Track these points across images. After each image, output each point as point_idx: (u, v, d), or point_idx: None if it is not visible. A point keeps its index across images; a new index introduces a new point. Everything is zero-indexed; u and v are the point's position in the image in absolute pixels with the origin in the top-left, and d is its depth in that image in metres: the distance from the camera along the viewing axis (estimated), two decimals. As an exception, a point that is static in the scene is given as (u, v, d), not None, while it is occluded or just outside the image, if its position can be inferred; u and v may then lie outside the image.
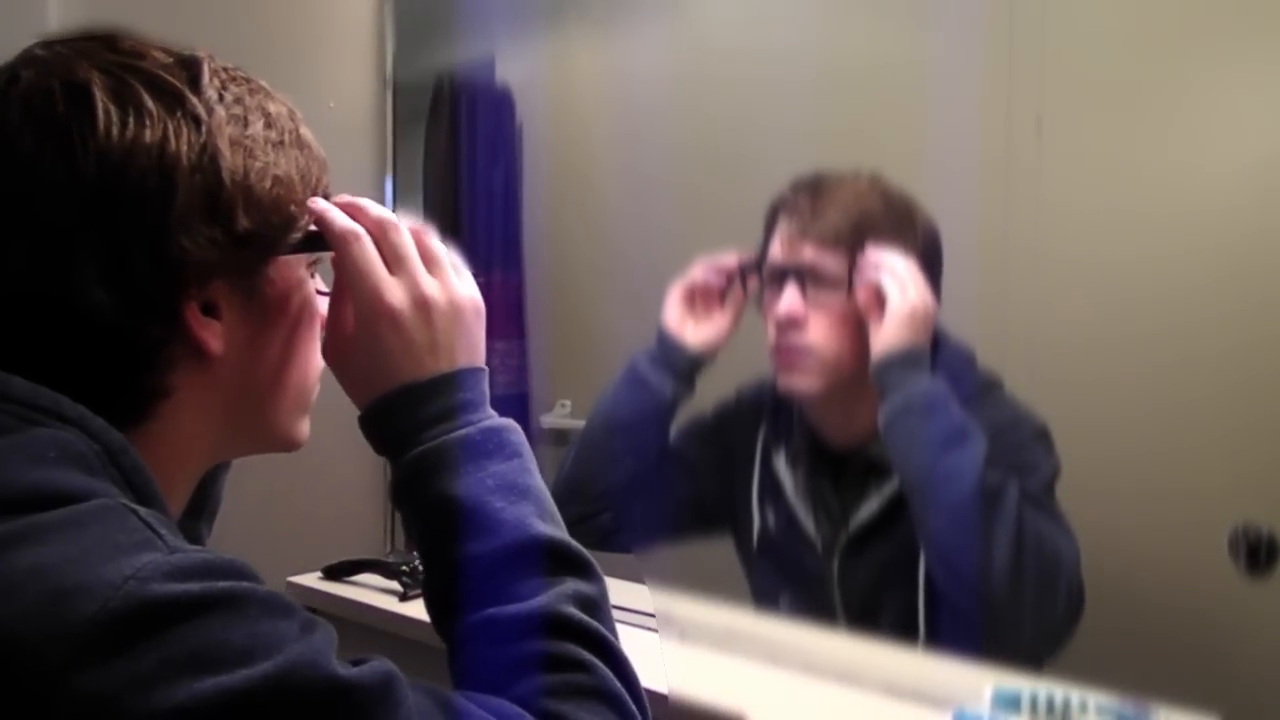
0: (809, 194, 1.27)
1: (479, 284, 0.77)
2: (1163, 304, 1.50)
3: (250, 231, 0.65)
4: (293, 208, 0.69)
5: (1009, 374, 1.32)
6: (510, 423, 0.72)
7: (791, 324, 1.25)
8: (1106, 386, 1.53)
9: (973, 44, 1.64)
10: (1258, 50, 1.45)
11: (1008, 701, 0.86)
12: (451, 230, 2.34)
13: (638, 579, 1.35)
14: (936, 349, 1.31)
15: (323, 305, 0.75)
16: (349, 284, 0.72)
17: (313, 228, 0.71)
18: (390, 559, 1.27)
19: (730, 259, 1.29)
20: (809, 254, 1.25)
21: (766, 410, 1.39)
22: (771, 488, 1.36)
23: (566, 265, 2.39)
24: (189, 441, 0.68)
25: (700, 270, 1.29)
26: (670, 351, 1.31)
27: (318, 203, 0.71)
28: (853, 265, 1.24)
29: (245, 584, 0.55)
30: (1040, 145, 1.58)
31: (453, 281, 0.74)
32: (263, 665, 0.52)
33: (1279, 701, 1.34)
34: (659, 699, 0.92)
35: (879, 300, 1.18)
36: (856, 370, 1.25)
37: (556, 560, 0.67)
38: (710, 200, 2.05)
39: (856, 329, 1.24)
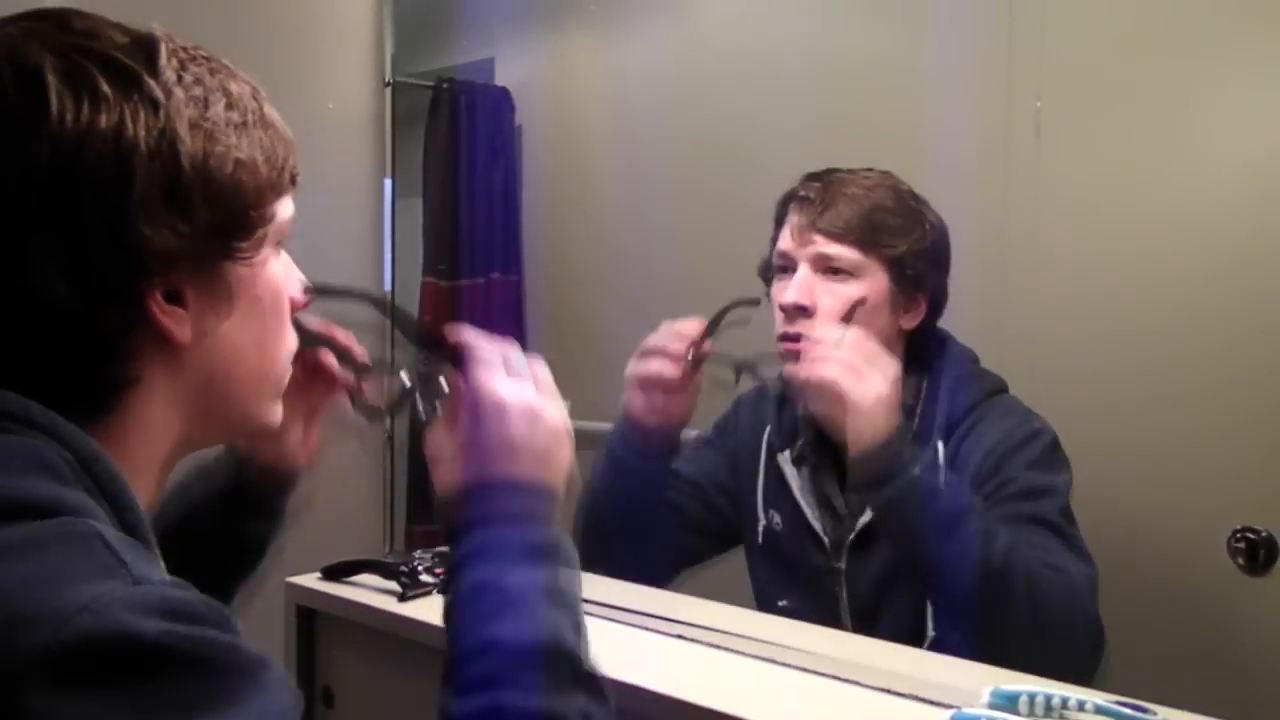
0: (820, 186, 1.28)
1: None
2: (1162, 305, 1.50)
3: (212, 217, 0.63)
4: (257, 191, 0.66)
5: (1008, 374, 1.32)
6: (569, 539, 0.74)
7: (799, 312, 1.25)
8: (1105, 387, 1.54)
9: (971, 44, 1.65)
10: (1256, 50, 1.45)
11: (1007, 701, 0.86)
12: (450, 232, 2.35)
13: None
14: (940, 352, 1.31)
15: (289, 286, 0.73)
16: (471, 381, 0.75)
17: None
18: (390, 559, 1.27)
19: (678, 337, 1.26)
20: (818, 244, 1.25)
21: (770, 411, 1.39)
22: (777, 487, 1.36)
23: (565, 265, 2.39)
24: (159, 431, 0.66)
25: (653, 361, 1.26)
26: (642, 440, 1.30)
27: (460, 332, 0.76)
28: (861, 258, 1.24)
29: (207, 634, 0.53)
30: (1039, 144, 1.58)
31: (559, 407, 0.77)
32: None
33: (1279, 701, 1.34)
34: (659, 699, 0.92)
35: (838, 390, 1.15)
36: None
37: (576, 676, 0.67)
38: (709, 200, 2.05)
39: (862, 321, 1.24)
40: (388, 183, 2.17)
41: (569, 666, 0.67)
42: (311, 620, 1.27)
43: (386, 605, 1.17)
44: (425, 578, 1.21)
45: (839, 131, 1.81)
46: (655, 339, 1.27)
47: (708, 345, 1.25)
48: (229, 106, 0.65)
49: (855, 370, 1.14)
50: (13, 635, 0.49)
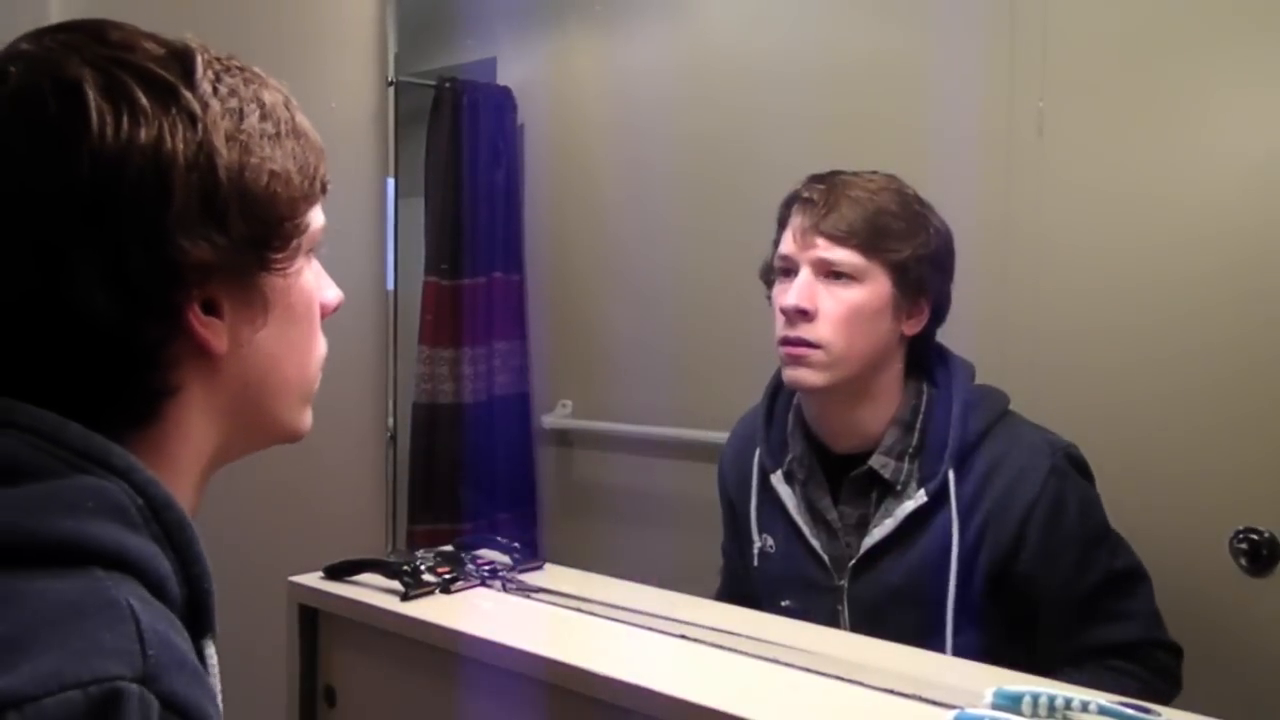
0: (823, 189, 1.26)
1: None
2: (1163, 304, 1.50)
3: (248, 229, 0.64)
4: (291, 201, 0.67)
5: (1010, 378, 1.32)
6: None
7: (800, 316, 1.24)
8: (1108, 387, 1.53)
9: (974, 43, 1.64)
10: (1259, 50, 1.45)
11: (1010, 702, 0.86)
12: (452, 231, 2.35)
13: (638, 579, 1.35)
14: (941, 365, 1.30)
15: (321, 293, 0.74)
16: None
17: None
18: (391, 559, 1.27)
19: None
20: (821, 247, 1.24)
21: (759, 431, 1.38)
22: (771, 508, 1.34)
23: (567, 265, 2.39)
24: (198, 439, 0.67)
25: None
26: None
27: None
28: (864, 262, 1.24)
29: None
30: (1042, 145, 1.58)
31: None
32: None
33: (1279, 701, 1.34)
34: (661, 699, 0.92)
35: None
36: (863, 367, 1.25)
37: None
38: (711, 200, 2.05)
39: (864, 326, 1.24)
40: (390, 182, 2.17)
41: None
42: (314, 619, 1.27)
43: (389, 605, 1.17)
44: (427, 577, 1.21)
45: (841, 131, 1.81)
46: None
47: None
48: (263, 117, 0.66)
49: None
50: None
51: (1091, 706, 0.85)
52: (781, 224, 1.31)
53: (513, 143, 2.41)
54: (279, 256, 0.68)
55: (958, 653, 1.16)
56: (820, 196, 1.25)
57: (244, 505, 1.71)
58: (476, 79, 2.42)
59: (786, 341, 1.25)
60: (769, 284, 1.32)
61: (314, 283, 0.74)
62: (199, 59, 0.65)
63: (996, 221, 1.59)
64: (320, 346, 0.75)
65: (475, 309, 2.26)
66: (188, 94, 0.62)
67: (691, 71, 2.12)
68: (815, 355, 1.24)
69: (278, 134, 0.67)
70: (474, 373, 2.24)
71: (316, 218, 0.72)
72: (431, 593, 1.19)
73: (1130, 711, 0.84)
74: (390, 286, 2.18)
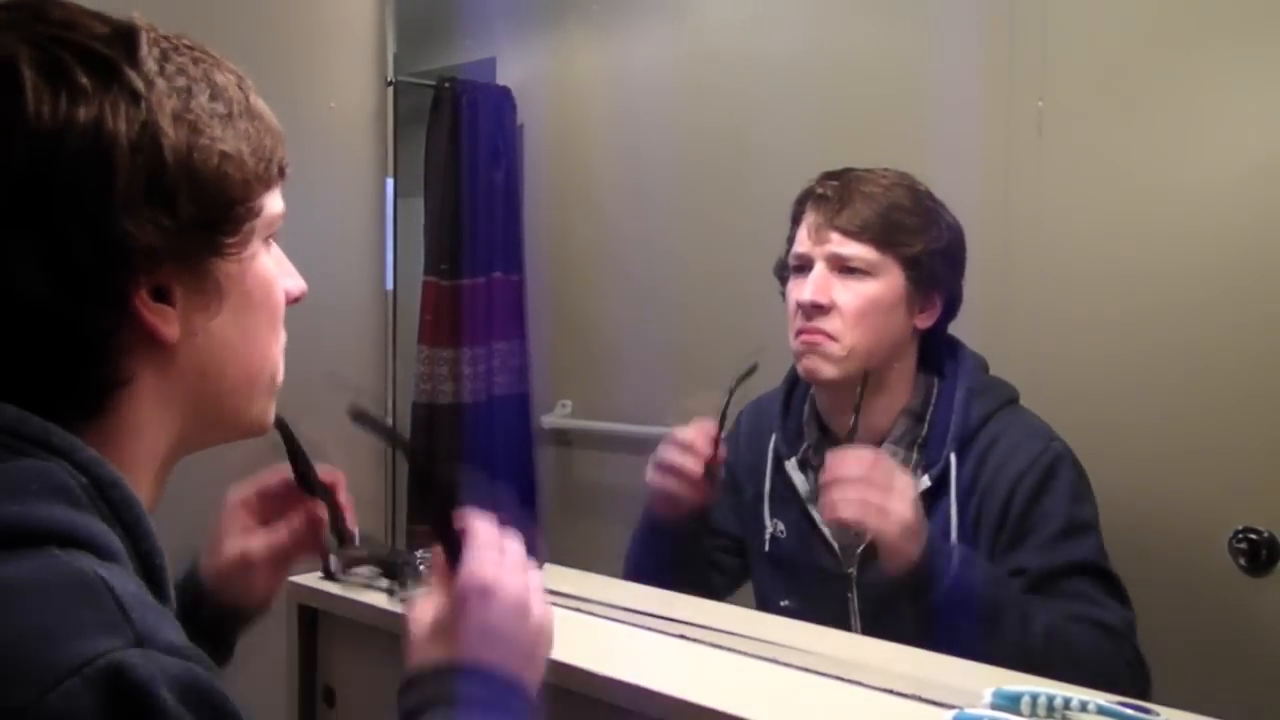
0: (837, 185, 1.28)
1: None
2: (1163, 304, 1.50)
3: (197, 212, 0.62)
4: (244, 183, 0.65)
5: (1009, 375, 1.32)
6: None
7: (815, 310, 1.25)
8: (1107, 387, 1.53)
9: (974, 44, 1.64)
10: (1260, 49, 1.45)
11: (1009, 702, 0.86)
12: (452, 231, 2.35)
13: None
14: (952, 357, 1.31)
15: (282, 280, 0.72)
16: (466, 564, 0.74)
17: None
18: (391, 559, 1.27)
19: (695, 441, 1.27)
20: (835, 242, 1.25)
21: (776, 418, 1.39)
22: (784, 494, 1.36)
23: (566, 265, 2.39)
24: (153, 432, 0.65)
25: (668, 461, 1.27)
26: (668, 527, 1.32)
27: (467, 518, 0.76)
28: (878, 256, 1.25)
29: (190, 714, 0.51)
30: (1041, 144, 1.58)
31: (546, 608, 0.77)
32: None
33: (1279, 701, 1.34)
34: (660, 699, 0.92)
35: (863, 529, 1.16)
36: (876, 360, 1.26)
37: None
38: (711, 199, 2.05)
39: (878, 319, 1.25)
40: (389, 182, 2.17)
41: None
42: (313, 620, 1.27)
43: (388, 604, 1.17)
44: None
45: (841, 130, 1.81)
46: (669, 447, 1.28)
47: (722, 453, 1.27)
48: (213, 98, 0.64)
49: (876, 507, 1.13)
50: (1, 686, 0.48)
51: (1090, 706, 0.85)
52: (795, 220, 1.32)
53: (512, 143, 2.41)
54: (231, 240, 0.65)
55: (958, 638, 1.17)
56: (834, 192, 1.27)
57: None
58: (476, 79, 2.42)
59: (802, 334, 1.26)
60: (783, 280, 1.34)
61: (273, 270, 0.70)
62: (144, 37, 0.62)
63: (997, 219, 1.59)
64: (281, 337, 0.72)
65: (475, 309, 2.26)
66: (131, 72, 0.60)
67: (691, 71, 2.12)
68: (831, 347, 1.25)
69: (229, 114, 0.64)
70: (473, 373, 2.24)
71: (274, 203, 0.69)
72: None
73: (1129, 711, 0.84)
74: (390, 286, 2.18)
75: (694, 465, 1.26)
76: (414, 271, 2.34)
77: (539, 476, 2.31)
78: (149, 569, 0.60)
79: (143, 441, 0.64)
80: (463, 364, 2.23)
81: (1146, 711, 0.85)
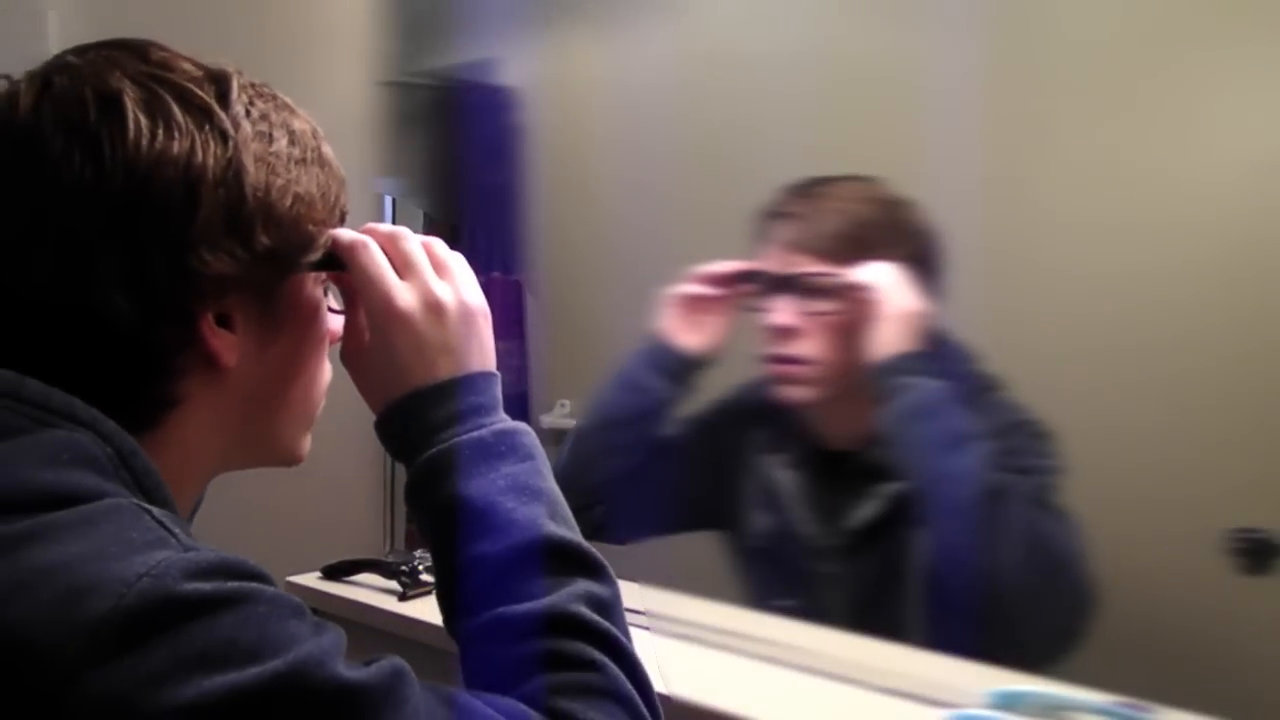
0: (803, 202, 1.26)
1: (479, 284, 0.78)
2: (1161, 307, 1.50)
3: (269, 247, 0.66)
4: (312, 226, 0.70)
5: (1007, 375, 1.32)
6: (523, 426, 0.72)
7: (786, 335, 1.24)
8: (1104, 386, 1.53)
9: (970, 47, 1.64)
10: (1258, 52, 1.45)
11: (1006, 701, 0.86)
12: (452, 231, 2.35)
13: (636, 578, 1.35)
14: (937, 350, 1.31)
15: (335, 323, 0.76)
16: (361, 291, 0.72)
17: (327, 246, 0.72)
18: (389, 559, 1.27)
19: (723, 266, 1.28)
20: (804, 265, 1.24)
21: (762, 412, 1.38)
22: (765, 490, 1.35)
23: (566, 265, 2.39)
24: (196, 452, 0.68)
25: (694, 279, 1.28)
26: (664, 356, 1.30)
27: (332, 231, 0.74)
28: (847, 274, 1.23)
29: (256, 585, 0.56)
30: (1038, 144, 1.58)
31: (463, 287, 0.75)
32: (273, 664, 0.53)
33: (1279, 701, 1.34)
34: (660, 699, 0.92)
35: (873, 306, 1.17)
36: (852, 378, 1.25)
37: (567, 560, 0.67)
38: (710, 200, 2.05)
39: (851, 338, 1.23)
40: (387, 182, 2.17)
41: (557, 555, 0.67)
42: (312, 619, 1.27)
43: (387, 605, 1.17)
44: (425, 577, 1.21)
45: (839, 132, 1.81)
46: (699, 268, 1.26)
47: (747, 286, 1.25)
48: (291, 143, 0.69)
49: (891, 287, 1.17)
50: (73, 607, 0.51)
51: (1088, 706, 0.85)
52: (760, 238, 1.30)
53: (512, 142, 2.41)
54: (296, 276, 0.70)
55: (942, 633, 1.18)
56: (800, 210, 1.25)
57: (242, 505, 1.71)
58: (475, 79, 2.42)
59: (773, 360, 1.25)
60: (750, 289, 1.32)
61: (325, 310, 0.75)
62: (234, 83, 0.67)
63: (994, 218, 1.59)
64: (327, 372, 0.76)
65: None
66: (221, 114, 0.65)
67: (692, 71, 2.12)
68: (801, 373, 1.24)
69: (304, 159, 0.70)
70: (473, 373, 2.23)
71: None
72: (430, 593, 1.19)
73: (1126, 711, 0.84)
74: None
75: (711, 285, 1.26)
76: (413, 272, 2.34)
77: (538, 476, 2.31)
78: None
79: (185, 460, 0.68)
80: (462, 364, 2.23)
81: (1144, 711, 0.85)
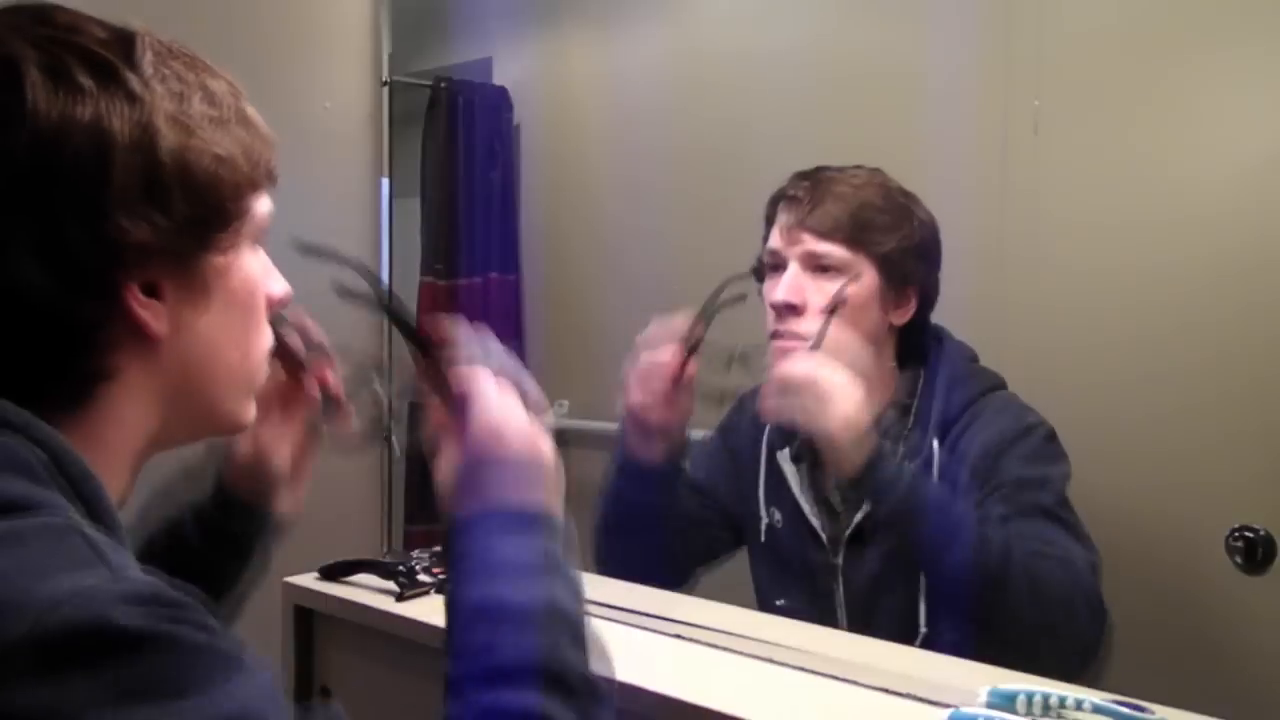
0: (808, 185, 1.29)
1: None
2: (1160, 303, 1.50)
3: (190, 211, 0.64)
4: (236, 187, 0.67)
5: (1005, 374, 1.32)
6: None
7: (789, 310, 1.26)
8: (1104, 385, 1.54)
9: (970, 44, 1.65)
10: (1256, 50, 1.45)
11: (1005, 700, 0.86)
12: (448, 231, 2.35)
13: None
14: (936, 349, 1.31)
15: (267, 284, 0.73)
16: (479, 409, 0.75)
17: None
18: (387, 559, 1.27)
19: (671, 329, 1.27)
20: (807, 242, 1.26)
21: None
22: (777, 484, 1.37)
23: (563, 265, 2.39)
24: (133, 425, 0.66)
25: (649, 355, 1.26)
26: (645, 444, 1.30)
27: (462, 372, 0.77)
28: (850, 255, 1.25)
29: (188, 620, 0.53)
30: (1037, 144, 1.58)
31: (548, 440, 0.77)
32: (198, 703, 0.51)
33: (1278, 700, 1.34)
34: (658, 699, 0.92)
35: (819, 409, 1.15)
36: (853, 358, 1.26)
37: (557, 683, 0.67)
38: (706, 198, 2.05)
39: (852, 318, 1.25)
40: (385, 182, 2.17)
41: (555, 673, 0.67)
42: (309, 620, 1.27)
43: (384, 605, 1.17)
44: (423, 577, 1.21)
45: (837, 130, 1.81)
46: (648, 334, 1.27)
47: (700, 330, 1.25)
48: (207, 102, 0.66)
49: (815, 407, 1.15)
50: None
51: (1086, 705, 0.85)
52: (769, 221, 1.34)
53: (508, 142, 2.42)
54: (221, 240, 0.67)
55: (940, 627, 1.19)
56: (805, 193, 1.28)
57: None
58: (472, 78, 2.42)
59: (776, 335, 1.27)
60: (759, 279, 1.34)
61: (260, 273, 0.72)
62: (142, 42, 0.64)
63: (993, 216, 1.59)
64: (265, 338, 0.74)
65: (471, 309, 2.26)
66: (129, 75, 0.62)
67: (687, 71, 2.13)
68: (805, 348, 1.25)
69: (222, 119, 0.66)
70: (470, 373, 2.23)
71: (262, 206, 0.71)
72: (427, 593, 1.19)
73: (1125, 710, 0.84)
74: (385, 286, 2.18)
75: (667, 359, 1.24)
76: (410, 272, 2.34)
77: (536, 476, 2.31)
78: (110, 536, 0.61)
79: (122, 435, 0.66)
80: (459, 364, 2.23)
81: (1143, 710, 0.85)
